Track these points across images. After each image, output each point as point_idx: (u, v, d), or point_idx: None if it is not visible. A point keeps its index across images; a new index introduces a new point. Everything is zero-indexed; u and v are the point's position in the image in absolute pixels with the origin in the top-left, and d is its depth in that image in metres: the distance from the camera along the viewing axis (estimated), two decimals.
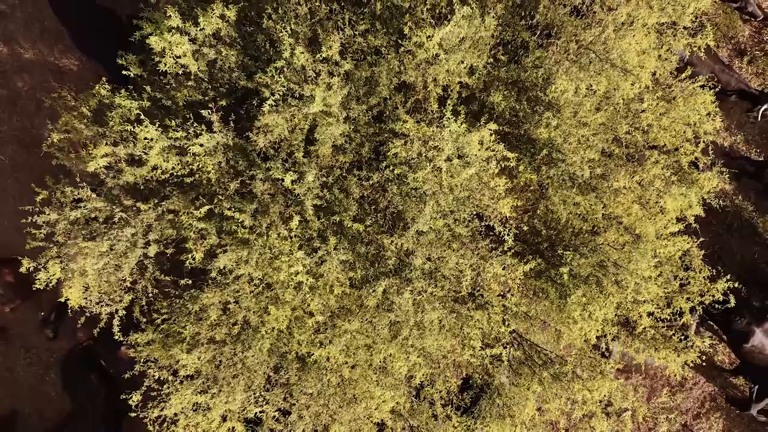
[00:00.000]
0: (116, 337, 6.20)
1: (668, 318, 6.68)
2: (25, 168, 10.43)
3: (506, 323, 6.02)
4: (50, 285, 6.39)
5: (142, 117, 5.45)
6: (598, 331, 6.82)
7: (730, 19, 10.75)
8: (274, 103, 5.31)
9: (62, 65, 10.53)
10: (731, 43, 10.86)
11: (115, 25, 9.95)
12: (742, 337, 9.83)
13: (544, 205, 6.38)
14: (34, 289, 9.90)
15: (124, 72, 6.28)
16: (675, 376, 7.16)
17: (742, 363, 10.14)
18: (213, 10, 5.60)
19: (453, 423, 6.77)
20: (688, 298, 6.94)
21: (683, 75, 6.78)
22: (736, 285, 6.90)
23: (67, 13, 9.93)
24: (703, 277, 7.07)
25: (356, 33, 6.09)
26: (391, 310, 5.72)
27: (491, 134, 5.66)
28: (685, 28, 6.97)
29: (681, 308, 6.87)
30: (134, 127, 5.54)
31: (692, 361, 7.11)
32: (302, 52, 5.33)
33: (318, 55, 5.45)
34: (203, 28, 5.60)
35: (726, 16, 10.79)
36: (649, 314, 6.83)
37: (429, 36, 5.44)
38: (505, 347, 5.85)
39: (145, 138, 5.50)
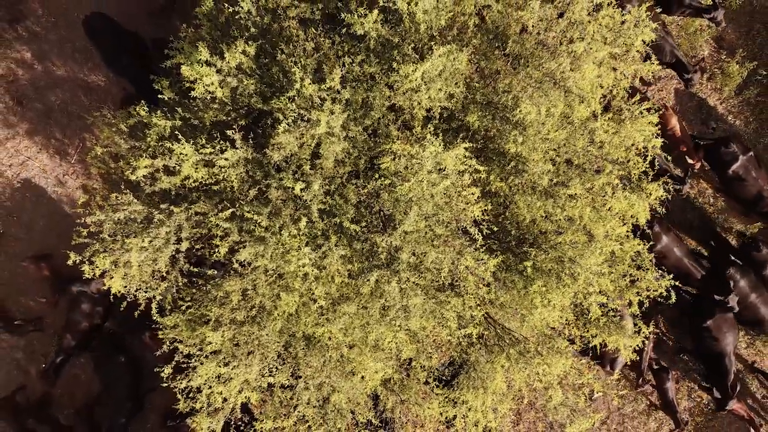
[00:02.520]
0: (153, 317, 7.37)
1: (615, 309, 7.88)
2: (58, 174, 11.60)
3: (479, 308, 7.20)
4: (96, 275, 7.49)
5: (180, 136, 6.61)
6: (560, 318, 8.02)
7: (691, 40, 11.93)
8: (287, 126, 6.49)
9: (91, 81, 11.70)
10: (692, 61, 12.03)
11: (140, 46, 11.10)
12: (703, 316, 10.96)
13: (512, 209, 7.57)
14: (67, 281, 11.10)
15: (159, 96, 7.47)
16: (627, 359, 8.32)
17: (696, 344, 11.28)
18: (236, 46, 6.77)
19: (435, 394, 7.98)
20: (637, 293, 8.12)
21: (633, 100, 7.96)
22: (676, 283, 8.10)
23: (96, 35, 10.96)
24: (652, 276, 8.25)
25: (354, 62, 7.27)
26: (382, 296, 6.90)
27: (465, 150, 6.84)
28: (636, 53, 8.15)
29: (630, 300, 8.07)
30: (171, 143, 6.72)
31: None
32: (310, 83, 6.50)
33: (323, 85, 6.63)
34: (228, 62, 6.77)
35: (688, 36, 11.97)
36: (603, 305, 8.01)
37: (413, 70, 6.61)
38: (477, 327, 7.01)
39: (181, 153, 6.68)
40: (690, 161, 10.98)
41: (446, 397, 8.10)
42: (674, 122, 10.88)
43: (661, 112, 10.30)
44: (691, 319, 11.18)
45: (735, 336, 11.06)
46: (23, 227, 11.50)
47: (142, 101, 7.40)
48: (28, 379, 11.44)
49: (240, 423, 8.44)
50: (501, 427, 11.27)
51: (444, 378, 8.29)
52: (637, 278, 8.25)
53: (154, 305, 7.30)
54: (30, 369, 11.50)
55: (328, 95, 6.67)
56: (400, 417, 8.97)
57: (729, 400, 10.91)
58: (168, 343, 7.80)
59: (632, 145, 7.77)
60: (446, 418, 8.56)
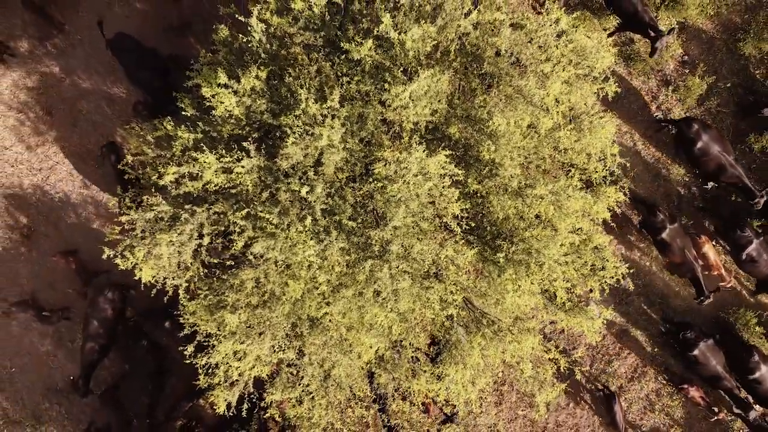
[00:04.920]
0: (181, 302, 8.56)
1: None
2: (83, 177, 12.78)
3: (459, 293, 8.41)
4: (128, 267, 8.62)
5: (204, 147, 7.80)
6: (531, 303, 9.20)
7: (659, 55, 13.12)
8: (294, 139, 7.69)
9: (113, 93, 12.88)
10: (659, 74, 13.24)
11: (158, 62, 12.27)
12: (688, 346, 12.22)
13: (487, 208, 8.77)
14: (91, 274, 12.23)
15: (183, 113, 8.65)
16: (591, 340, 9.50)
17: (689, 371, 12.42)
18: (250, 72, 7.96)
19: (422, 370, 9.20)
20: (598, 280, 9.32)
21: (592, 111, 9.16)
22: (631, 271, 9.29)
23: (118, 51, 12.13)
24: (613, 265, 9.44)
25: (351, 82, 8.46)
26: (375, 282, 8.09)
27: (447, 157, 8.04)
28: (596, 77, 9.35)
29: (592, 287, 9.27)
30: (196, 153, 7.90)
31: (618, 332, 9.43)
32: (313, 103, 7.69)
33: (324, 105, 7.82)
34: (244, 85, 7.96)
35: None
36: (569, 290, 9.20)
37: (402, 90, 7.80)
38: (456, 308, 8.20)
39: (204, 161, 7.86)
40: (722, 284, 12.78)
41: (432, 373, 9.30)
42: (708, 248, 12.64)
43: (699, 238, 12.37)
44: (682, 346, 12.40)
45: (720, 357, 12.31)
46: (52, 225, 12.67)
47: (168, 117, 8.58)
48: (56, 363, 12.61)
49: (252, 397, 9.63)
50: (483, 406, 12.49)
51: (431, 356, 9.49)
52: (601, 266, 9.42)
53: (181, 291, 8.47)
54: (57, 354, 12.68)
55: (328, 113, 7.87)
56: (393, 393, 10.17)
57: (750, 411, 12.12)
58: (188, 327, 8.97)
59: (593, 150, 8.96)
60: (433, 395, 9.75)
